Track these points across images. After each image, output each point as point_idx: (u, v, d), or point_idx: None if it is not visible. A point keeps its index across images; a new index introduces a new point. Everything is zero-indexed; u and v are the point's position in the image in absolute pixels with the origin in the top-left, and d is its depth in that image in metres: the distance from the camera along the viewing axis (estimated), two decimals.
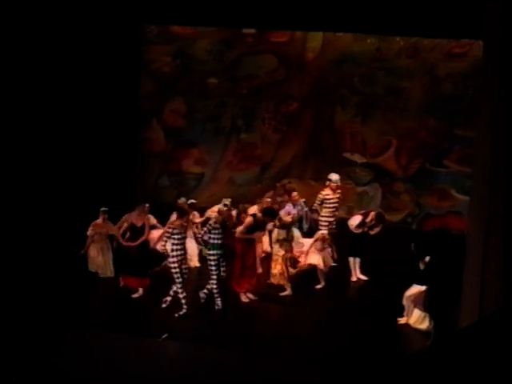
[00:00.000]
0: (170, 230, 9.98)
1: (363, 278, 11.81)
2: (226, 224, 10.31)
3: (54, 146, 13.32)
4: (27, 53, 12.58)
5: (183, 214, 10.11)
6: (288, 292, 10.90)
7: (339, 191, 12.14)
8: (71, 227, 11.98)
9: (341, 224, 11.90)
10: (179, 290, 9.94)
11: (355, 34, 14.38)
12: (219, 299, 10.16)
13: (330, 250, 11.33)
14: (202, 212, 12.13)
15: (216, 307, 10.15)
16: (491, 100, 8.12)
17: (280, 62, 14.99)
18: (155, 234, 10.86)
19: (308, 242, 11.28)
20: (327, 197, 11.91)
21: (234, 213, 11.05)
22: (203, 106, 15.36)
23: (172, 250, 9.91)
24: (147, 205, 11.04)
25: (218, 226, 10.15)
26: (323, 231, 11.46)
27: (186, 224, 10.30)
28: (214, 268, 10.16)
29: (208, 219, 10.98)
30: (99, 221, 11.39)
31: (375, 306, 10.53)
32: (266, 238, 11.83)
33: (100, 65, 14.01)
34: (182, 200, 11.93)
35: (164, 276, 10.81)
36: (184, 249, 10.16)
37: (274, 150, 15.15)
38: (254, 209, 11.42)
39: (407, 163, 14.54)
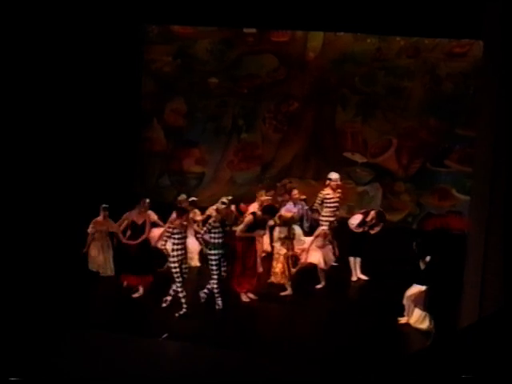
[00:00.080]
0: (171, 230, 9.98)
1: (363, 277, 11.80)
2: (225, 223, 10.30)
3: (55, 146, 13.32)
4: (29, 53, 12.58)
5: (182, 212, 10.10)
6: (288, 292, 10.89)
7: (339, 190, 12.13)
8: (72, 227, 11.98)
9: (341, 224, 11.88)
10: (179, 290, 9.94)
11: (356, 34, 14.38)
12: (220, 299, 10.16)
13: (330, 246, 11.33)
14: (202, 212, 12.09)
15: (216, 307, 10.15)
16: (492, 100, 8.12)
17: (281, 62, 14.99)
18: (156, 232, 10.86)
19: (309, 240, 11.26)
20: (327, 196, 11.90)
21: (233, 208, 10.99)
22: (204, 105, 15.36)
23: (172, 250, 9.90)
24: (147, 200, 11.04)
25: (217, 224, 10.13)
26: (324, 227, 11.40)
27: (186, 223, 10.29)
28: (214, 268, 10.15)
29: (209, 217, 10.95)
30: (100, 218, 11.35)
31: (375, 306, 10.52)
32: (266, 238, 11.81)
33: (101, 65, 14.01)
34: (182, 197, 11.87)
35: (164, 275, 10.82)
36: (184, 248, 10.15)
37: (274, 150, 15.16)
38: (253, 207, 11.40)
39: (408, 163, 14.54)
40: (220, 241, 10.14)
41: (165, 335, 9.14)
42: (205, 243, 10.34)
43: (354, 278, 11.78)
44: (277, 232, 11.05)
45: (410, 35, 14.06)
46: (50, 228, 12.33)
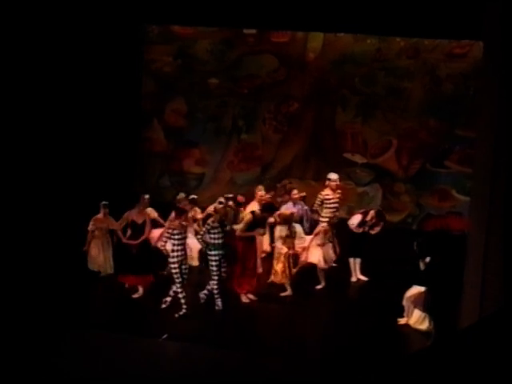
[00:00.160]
0: (171, 231, 9.97)
1: (363, 278, 11.80)
2: (224, 222, 10.29)
3: (56, 146, 13.33)
4: (29, 53, 12.58)
5: (181, 213, 10.09)
6: (288, 292, 10.89)
7: (339, 191, 12.11)
8: (72, 227, 11.97)
9: (341, 224, 11.88)
10: (179, 290, 9.93)
11: (356, 35, 14.40)
12: (219, 300, 10.15)
13: (331, 245, 11.33)
14: (203, 211, 12.07)
15: (216, 308, 10.14)
16: (492, 100, 8.13)
17: (281, 63, 15.01)
18: (156, 233, 10.84)
19: (310, 238, 11.25)
20: (327, 197, 11.88)
21: (230, 203, 10.98)
22: (204, 106, 15.38)
23: (172, 251, 9.90)
24: (147, 196, 11.04)
25: (216, 225, 10.11)
26: (323, 224, 11.38)
27: (186, 223, 10.29)
28: (215, 268, 10.14)
29: (210, 215, 10.88)
30: (100, 215, 11.32)
31: (375, 307, 10.51)
32: (266, 238, 11.79)
33: (101, 65, 14.02)
34: (180, 196, 11.81)
35: (164, 276, 10.82)
36: (184, 249, 10.14)
37: (274, 151, 15.17)
38: (252, 206, 11.40)
39: (408, 164, 14.55)
40: (220, 241, 10.13)
41: (165, 336, 9.14)
42: (205, 244, 10.32)
43: (353, 279, 11.78)
44: (277, 231, 11.02)
45: (409, 36, 14.08)
46: (51, 228, 12.33)
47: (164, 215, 11.25)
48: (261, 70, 15.08)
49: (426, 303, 9.58)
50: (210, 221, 10.25)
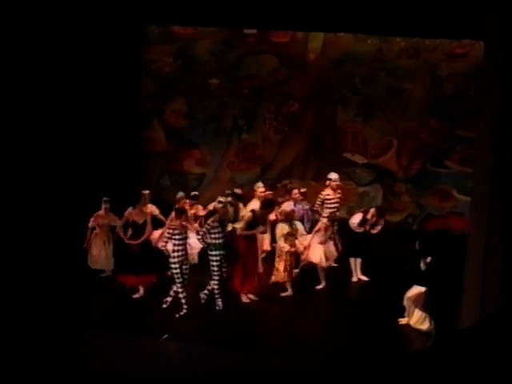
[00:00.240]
0: (171, 231, 9.97)
1: (364, 278, 11.80)
2: (224, 222, 10.28)
3: (56, 146, 13.32)
4: (29, 53, 12.58)
5: (181, 213, 10.09)
6: (289, 292, 10.89)
7: (340, 191, 12.12)
8: (72, 227, 11.97)
9: (342, 224, 11.87)
10: (179, 290, 9.94)
11: (356, 35, 14.39)
12: (220, 300, 10.15)
13: (332, 242, 11.32)
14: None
15: (217, 308, 10.14)
16: (492, 100, 8.12)
17: (281, 63, 14.99)
18: (156, 234, 10.83)
19: (311, 236, 11.23)
20: (328, 197, 11.89)
21: (230, 199, 10.94)
22: (204, 106, 15.36)
23: (173, 251, 9.91)
24: (147, 191, 10.98)
25: (216, 224, 10.10)
26: (324, 220, 11.37)
27: (186, 224, 10.28)
28: (216, 268, 10.14)
29: (212, 212, 10.82)
30: (101, 212, 11.29)
31: (376, 307, 10.52)
32: (266, 237, 11.76)
33: (101, 65, 14.01)
34: (180, 195, 11.71)
35: (164, 276, 10.81)
36: (185, 249, 10.15)
37: (275, 151, 15.16)
38: (252, 204, 11.38)
39: (408, 164, 14.54)
40: (220, 241, 10.13)
41: (165, 336, 9.14)
42: (206, 244, 10.31)
43: (354, 279, 11.79)
44: (279, 229, 10.95)
45: (410, 36, 14.06)
46: (51, 228, 12.33)
47: (164, 215, 11.22)
48: (261, 70, 15.07)
49: (426, 303, 9.58)
50: (209, 221, 10.24)
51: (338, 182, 12.06)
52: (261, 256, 11.54)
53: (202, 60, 15.28)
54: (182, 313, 9.87)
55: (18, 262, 11.22)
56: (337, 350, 9.03)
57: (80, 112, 13.79)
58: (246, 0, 13.01)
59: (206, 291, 10.32)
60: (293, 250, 10.79)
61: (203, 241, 10.28)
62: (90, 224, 11.29)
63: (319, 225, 11.28)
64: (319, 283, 11.25)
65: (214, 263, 10.13)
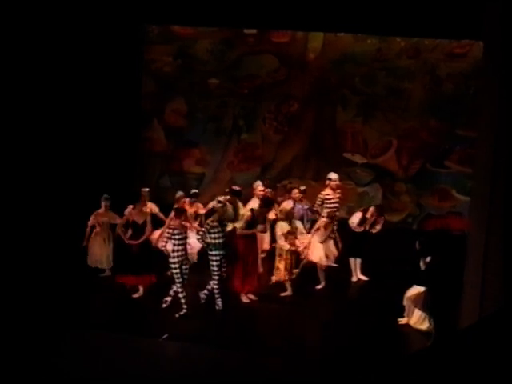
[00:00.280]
0: (171, 231, 9.97)
1: (364, 278, 11.80)
2: (223, 222, 10.28)
3: (56, 146, 13.32)
4: (29, 53, 12.58)
5: (180, 213, 10.09)
6: (288, 292, 10.89)
7: (339, 191, 12.13)
8: (72, 228, 11.97)
9: (341, 224, 11.88)
10: (179, 290, 9.94)
11: (356, 35, 14.38)
12: (220, 299, 10.15)
13: (332, 241, 11.31)
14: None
15: (216, 307, 10.14)
16: (492, 100, 8.13)
17: (281, 62, 14.99)
18: (156, 234, 10.83)
19: (311, 235, 11.22)
20: (327, 197, 11.89)
21: (228, 197, 10.92)
22: (204, 106, 15.36)
23: (173, 251, 9.91)
24: (147, 189, 10.96)
25: (216, 224, 10.10)
26: (324, 219, 11.37)
27: (185, 223, 10.28)
28: (216, 268, 10.15)
29: (212, 211, 10.79)
30: (101, 210, 11.28)
31: (375, 306, 10.52)
32: (266, 237, 11.75)
33: (101, 65, 14.01)
34: (179, 194, 11.70)
35: (164, 276, 10.81)
36: (185, 249, 10.15)
37: (274, 151, 15.15)
38: (252, 203, 11.38)
39: (408, 164, 14.54)
40: (220, 241, 10.13)
41: (165, 336, 9.14)
42: (206, 244, 10.30)
43: (354, 279, 11.79)
44: (279, 228, 10.94)
45: (410, 36, 14.06)
46: (51, 228, 12.32)
47: (164, 215, 11.22)
48: (261, 70, 15.06)
49: (426, 303, 9.58)
50: (209, 221, 10.23)
51: (338, 182, 12.06)
52: (261, 256, 11.55)
53: (202, 60, 15.28)
54: (181, 313, 9.88)
55: (17, 261, 11.22)
56: (336, 350, 9.03)
57: (80, 112, 13.79)
58: (246, 0, 13.01)
59: (205, 291, 10.32)
60: (293, 248, 10.78)
61: (203, 241, 10.27)
62: (90, 222, 11.27)
63: (319, 223, 11.27)
64: (319, 283, 11.25)
65: (214, 263, 10.13)
